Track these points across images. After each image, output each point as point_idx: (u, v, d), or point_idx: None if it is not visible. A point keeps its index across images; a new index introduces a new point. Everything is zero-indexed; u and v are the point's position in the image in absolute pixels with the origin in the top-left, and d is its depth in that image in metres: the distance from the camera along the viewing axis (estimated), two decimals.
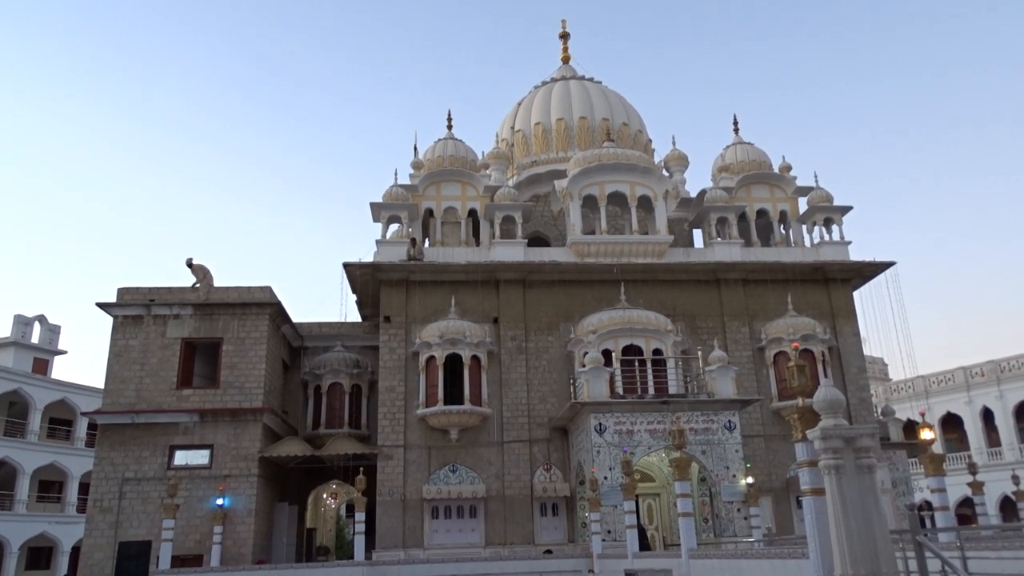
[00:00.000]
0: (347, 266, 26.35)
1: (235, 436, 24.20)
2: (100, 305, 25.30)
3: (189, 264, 25.85)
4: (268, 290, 26.04)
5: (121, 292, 25.54)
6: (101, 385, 25.26)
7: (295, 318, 28.18)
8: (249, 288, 26.02)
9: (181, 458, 23.92)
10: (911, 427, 33.50)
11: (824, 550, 7.89)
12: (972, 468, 20.94)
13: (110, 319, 25.28)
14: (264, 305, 25.66)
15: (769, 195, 29.56)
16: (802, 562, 9.17)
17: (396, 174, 28.35)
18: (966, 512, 36.29)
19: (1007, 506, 37.06)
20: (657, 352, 25.01)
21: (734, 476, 22.01)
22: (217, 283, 26.15)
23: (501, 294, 26.81)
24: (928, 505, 22.76)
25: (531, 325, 26.61)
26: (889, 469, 24.18)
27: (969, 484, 20.78)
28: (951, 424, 42.15)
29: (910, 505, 8.18)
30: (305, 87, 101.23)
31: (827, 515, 7.43)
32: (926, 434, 15.37)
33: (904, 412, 38.53)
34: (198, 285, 25.77)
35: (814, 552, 8.13)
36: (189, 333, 25.23)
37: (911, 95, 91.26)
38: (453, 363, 25.37)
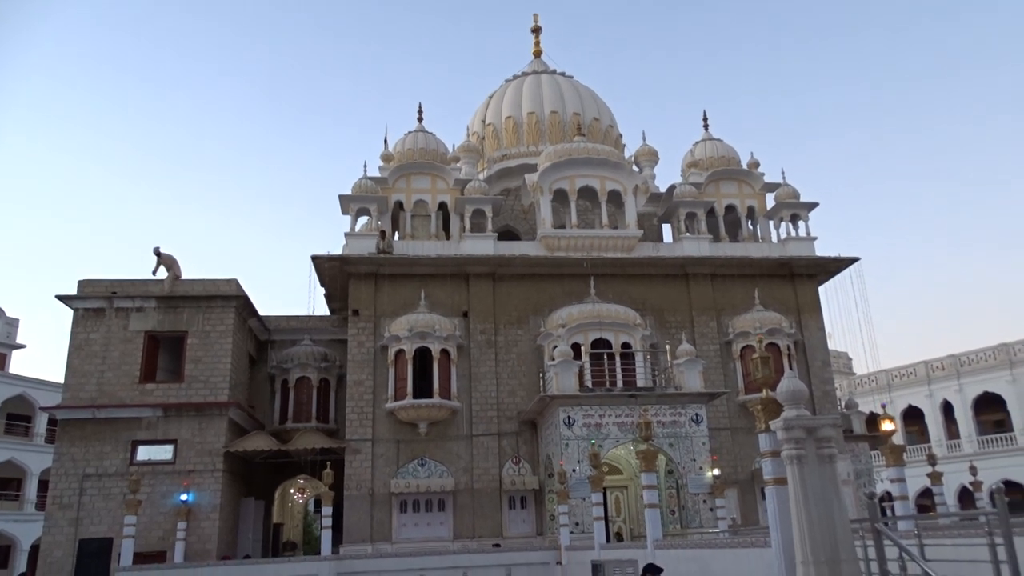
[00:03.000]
0: (315, 259, 26.13)
1: (200, 431, 23.91)
2: (60, 298, 24.79)
3: (157, 253, 25.40)
4: (234, 283, 25.73)
5: (82, 284, 25.05)
6: (61, 380, 24.79)
7: (262, 311, 27.94)
8: (215, 281, 25.69)
9: (144, 453, 23.57)
10: (873, 420, 34.11)
11: (786, 538, 8.01)
12: (932, 459, 21.41)
13: (70, 312, 24.78)
14: (230, 298, 25.36)
15: (737, 191, 29.89)
16: (764, 550, 9.31)
17: (365, 166, 28.18)
18: (926, 503, 37.08)
19: (965, 496, 37.97)
20: (626, 346, 25.17)
21: (700, 468, 22.26)
22: (183, 276, 25.77)
23: (471, 288, 26.78)
24: (889, 496, 23.26)
25: (501, 319, 26.63)
26: (851, 460, 24.64)
27: (929, 475, 21.22)
28: (912, 417, 43.06)
29: (870, 494, 8.32)
30: (274, 78, 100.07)
31: (789, 504, 7.54)
32: (887, 426, 15.73)
33: (867, 405, 39.28)
34: (164, 274, 25.33)
35: (776, 540, 8.26)
36: (153, 326, 24.83)
37: (878, 93, 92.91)
38: (422, 357, 25.31)
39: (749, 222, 30.01)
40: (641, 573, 11.04)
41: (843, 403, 29.80)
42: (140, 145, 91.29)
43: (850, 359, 52.28)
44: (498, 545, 22.95)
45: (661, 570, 10.67)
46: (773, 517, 8.26)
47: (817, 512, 7.15)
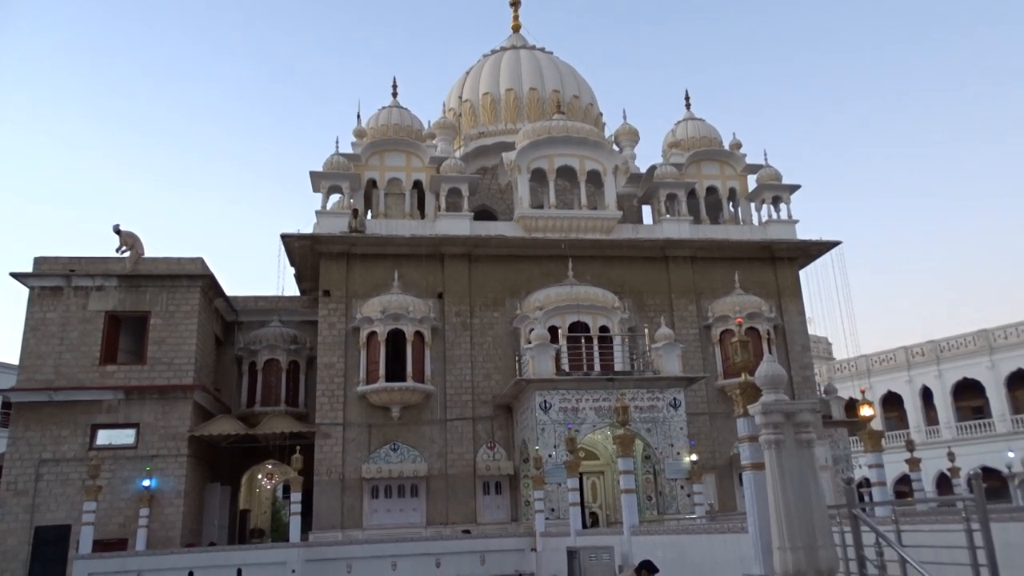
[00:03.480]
0: (285, 237, 25.86)
1: (163, 414, 23.65)
2: (14, 275, 24.26)
3: (116, 230, 24.92)
4: (200, 261, 25.37)
5: (38, 261, 24.54)
6: (16, 361, 24.31)
7: (229, 292, 27.65)
8: (179, 259, 25.31)
9: (104, 437, 23.25)
10: (853, 406, 34.56)
11: (763, 524, 8.03)
12: (910, 445, 21.71)
13: (26, 291, 24.27)
14: (195, 277, 25.02)
15: (719, 172, 29.95)
16: (741, 536, 9.36)
17: (338, 142, 27.93)
18: (904, 489, 37.77)
19: (943, 483, 38.72)
20: (604, 329, 25.23)
21: (678, 454, 22.43)
22: (145, 255, 25.34)
23: (446, 268, 26.67)
24: (867, 482, 23.60)
25: (476, 301, 26.56)
26: (830, 446, 24.95)
27: (907, 461, 21.53)
28: (892, 403, 43.75)
29: (847, 479, 8.37)
30: (245, 50, 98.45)
31: (767, 489, 7.56)
32: (866, 411, 15.91)
33: (847, 391, 39.85)
34: (125, 252, 24.88)
35: (753, 526, 8.28)
36: (114, 306, 24.43)
37: (862, 74, 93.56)
38: (395, 339, 25.19)
39: (730, 204, 30.11)
40: (635, 570, 11.06)
41: (822, 388, 30.15)
42: (101, 119, 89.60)
43: (830, 344, 52.91)
44: (468, 531, 23.00)
45: (657, 570, 10.67)
46: (750, 502, 8.28)
47: (795, 497, 7.17)
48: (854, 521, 7.84)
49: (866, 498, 22.00)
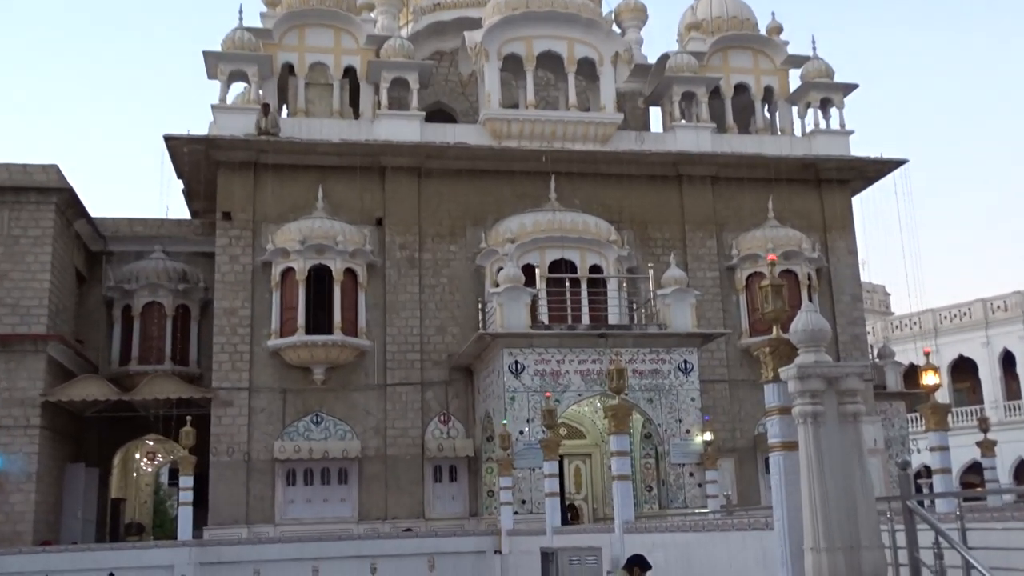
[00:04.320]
0: (170, 141, 25.43)
1: (7, 373, 23.59)
2: None
3: None
4: (54, 170, 24.97)
5: None
6: None
7: (97, 213, 27.34)
8: (26, 167, 24.90)
9: None
10: (913, 373, 35.28)
11: (793, 519, 8.18)
12: (984, 424, 22.21)
13: None
14: (48, 191, 24.70)
15: (752, 65, 29.84)
16: (765, 534, 9.56)
17: (242, 13, 27.26)
18: (973, 480, 38.94)
19: (1023, 472, 39.90)
20: (595, 269, 25.31)
21: (688, 432, 22.79)
22: None
23: (388, 186, 26.48)
24: (927, 470, 24.27)
25: (428, 229, 26.47)
26: (883, 424, 25.56)
27: (979, 444, 22.07)
28: (963, 370, 44.68)
29: (902, 464, 8.56)
30: None
31: (799, 476, 7.69)
32: (929, 379, 16.17)
33: (906, 355, 40.55)
34: None
35: (780, 521, 8.44)
36: None
37: None
38: (320, 278, 25.10)
39: (765, 107, 30.10)
40: (624, 565, 11.28)
41: (875, 350, 30.74)
42: None
43: (887, 295, 53.82)
44: (409, 530, 23.35)
45: (650, 567, 10.91)
46: (778, 492, 8.41)
47: (835, 486, 7.30)
48: (909, 516, 8.02)
49: (925, 489, 22.62)
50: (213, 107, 26.11)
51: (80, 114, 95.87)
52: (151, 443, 29.36)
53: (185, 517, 20.81)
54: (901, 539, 8.23)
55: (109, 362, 27.00)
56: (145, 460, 31.50)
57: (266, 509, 24.24)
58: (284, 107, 28.02)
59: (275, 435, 24.61)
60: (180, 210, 30.12)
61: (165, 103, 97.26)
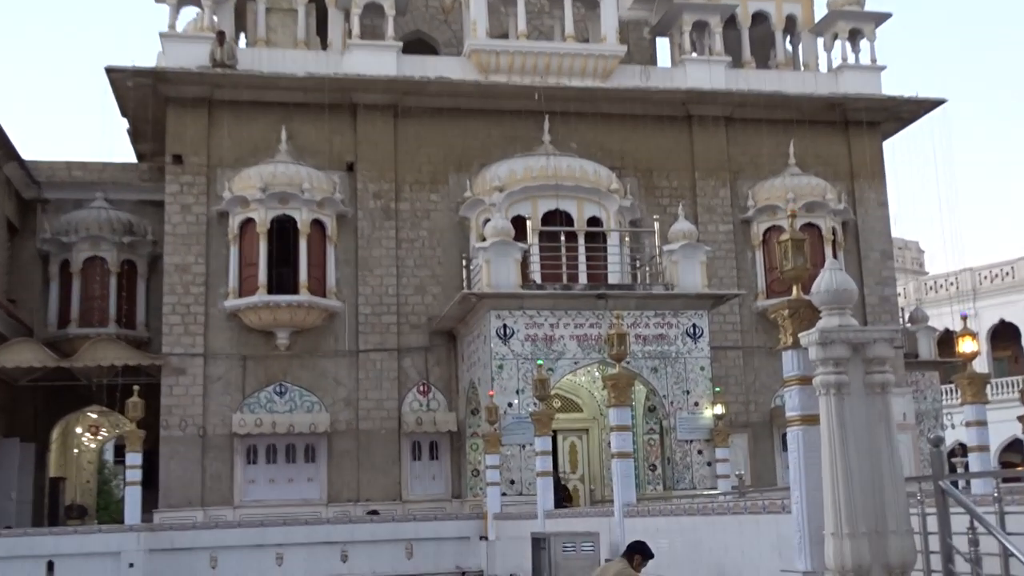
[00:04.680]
0: (112, 74, 25.23)
1: None
2: None
3: None
4: None
5: None
6: None
7: (29, 155, 27.16)
8: None
9: None
10: (948, 339, 35.47)
11: (812, 501, 8.28)
12: None
13: None
14: None
15: None
16: (781, 518, 9.64)
17: None
18: (1013, 459, 39.36)
19: None
20: (594, 222, 25.31)
21: (696, 404, 22.91)
22: None
23: (360, 126, 26.42)
24: (962, 448, 24.47)
25: (405, 176, 26.43)
26: (914, 396, 25.74)
27: (1020, 418, 22.29)
28: (1004, 336, 44.96)
29: (935, 441, 8.60)
30: None
31: (820, 452, 7.76)
32: (967, 345, 16.26)
33: (940, 319, 40.78)
34: None
35: (798, 503, 8.54)
36: None
37: None
38: (283, 231, 25.03)
39: (787, 39, 30.01)
40: (624, 552, 11.37)
41: (907, 314, 30.89)
42: None
43: (921, 252, 53.96)
44: (375, 512, 23.46)
45: (652, 555, 11.00)
46: (796, 471, 8.50)
47: (859, 464, 7.35)
48: (941, 498, 8.10)
49: (959, 468, 22.83)
50: (161, 35, 25.89)
51: (9, 43, 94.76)
52: (94, 416, 29.34)
53: (133, 498, 20.80)
54: (932, 524, 8.30)
55: (45, 324, 26.95)
56: (87, 435, 31.49)
57: (224, 490, 24.34)
58: (242, 36, 27.84)
59: (234, 407, 24.66)
60: (125, 153, 29.99)
61: (107, 31, 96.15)
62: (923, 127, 29.40)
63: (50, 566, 19.51)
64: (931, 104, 28.92)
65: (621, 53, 27.46)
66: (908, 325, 29.89)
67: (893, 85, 34.35)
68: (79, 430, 31.05)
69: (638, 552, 10.93)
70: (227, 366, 24.93)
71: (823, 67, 29.66)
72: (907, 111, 29.08)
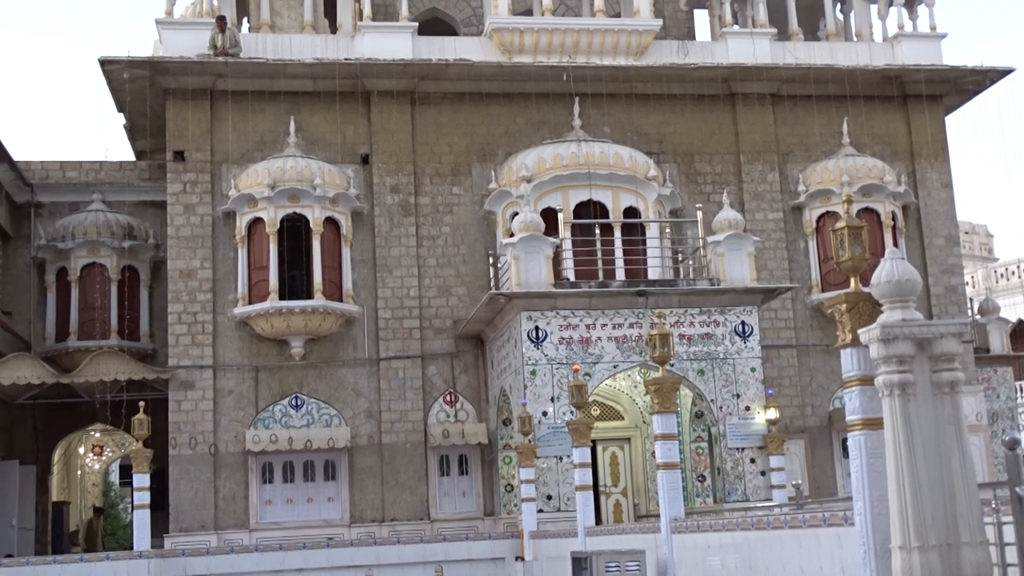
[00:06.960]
0: (107, 65, 25.38)
1: None
2: None
3: None
4: None
5: None
6: None
7: (21, 155, 27.40)
8: None
9: None
10: (1022, 332, 35.28)
11: (877, 512, 8.29)
12: None
13: None
14: None
15: None
16: (843, 530, 9.67)
17: None
18: None
19: None
20: (631, 212, 25.29)
21: (747, 409, 22.86)
22: None
23: (374, 115, 26.49)
24: None
25: (425, 168, 26.50)
26: (986, 395, 25.55)
27: None
28: None
29: (1010, 441, 8.57)
30: None
31: (884, 459, 7.77)
32: None
33: (1014, 310, 40.51)
34: None
35: (862, 515, 8.54)
36: None
37: None
38: (295, 231, 25.15)
39: (838, 7, 29.89)
40: None
41: (976, 305, 30.66)
42: None
43: (989, 236, 53.52)
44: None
45: None
46: (859, 479, 8.50)
47: (928, 471, 7.37)
48: (1019, 506, 8.09)
49: None
50: (158, 23, 26.07)
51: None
52: (97, 435, 29.55)
53: (141, 523, 20.93)
54: (1009, 534, 8.30)
55: (43, 338, 27.15)
56: (91, 455, 31.70)
57: (238, 512, 24.48)
58: (245, 21, 28.05)
59: (246, 422, 24.81)
60: (122, 150, 30.09)
61: (102, 21, 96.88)
62: (988, 100, 29.30)
63: None
64: (997, 74, 28.68)
65: (656, 28, 27.41)
66: (978, 317, 29.69)
67: (954, 55, 34.15)
68: (82, 450, 31.22)
69: None
70: (238, 378, 25.07)
71: (878, 36, 29.51)
72: (971, 82, 28.86)
